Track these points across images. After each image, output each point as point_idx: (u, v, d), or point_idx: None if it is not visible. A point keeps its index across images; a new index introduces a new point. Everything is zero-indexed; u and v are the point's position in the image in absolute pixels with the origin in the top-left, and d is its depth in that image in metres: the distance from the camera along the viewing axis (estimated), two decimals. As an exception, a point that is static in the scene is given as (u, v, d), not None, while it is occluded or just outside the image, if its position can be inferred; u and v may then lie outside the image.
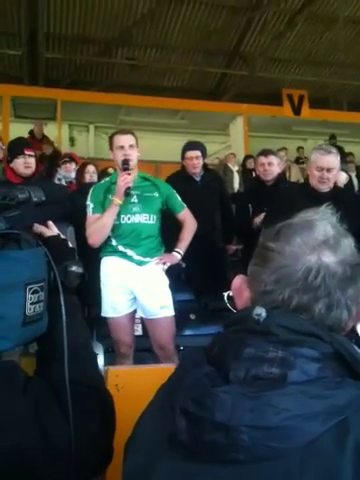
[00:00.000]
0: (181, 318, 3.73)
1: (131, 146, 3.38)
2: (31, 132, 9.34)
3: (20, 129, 9.16)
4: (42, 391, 1.04)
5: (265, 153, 4.56)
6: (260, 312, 0.83)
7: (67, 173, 5.89)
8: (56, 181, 5.99)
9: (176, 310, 3.46)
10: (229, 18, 10.13)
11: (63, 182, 5.89)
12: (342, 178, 4.91)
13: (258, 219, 4.24)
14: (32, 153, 4.06)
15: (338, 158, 3.54)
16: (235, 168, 9.30)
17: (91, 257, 3.48)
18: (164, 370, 2.06)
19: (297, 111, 11.55)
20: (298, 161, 10.65)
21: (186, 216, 3.60)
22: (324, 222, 0.87)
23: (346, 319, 0.86)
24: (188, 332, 4.18)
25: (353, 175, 8.23)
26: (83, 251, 3.21)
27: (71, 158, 6.12)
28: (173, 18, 10.01)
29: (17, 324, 1.03)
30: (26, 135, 8.49)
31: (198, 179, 4.66)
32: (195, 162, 4.57)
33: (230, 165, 9.26)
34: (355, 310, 0.87)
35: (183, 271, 4.63)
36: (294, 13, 9.95)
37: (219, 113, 11.45)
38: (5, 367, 1.04)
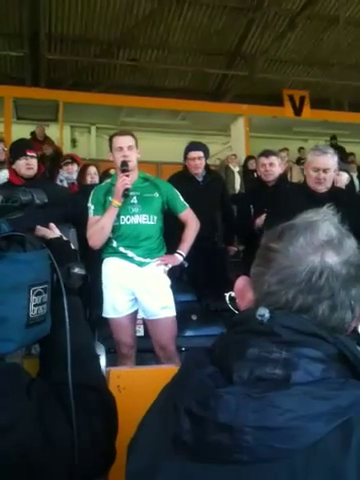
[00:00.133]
0: (182, 319, 3.73)
1: (130, 147, 3.38)
2: (33, 133, 9.35)
3: (22, 130, 9.18)
4: (45, 393, 1.04)
5: (266, 154, 4.56)
6: (263, 313, 0.83)
7: (69, 174, 5.90)
8: (58, 182, 6.00)
9: (177, 311, 3.46)
10: (230, 19, 10.14)
11: (65, 183, 5.90)
12: (343, 179, 4.91)
13: (259, 220, 4.24)
14: (34, 154, 4.07)
15: (335, 159, 3.54)
16: (236, 169, 9.30)
17: (93, 258, 3.49)
18: (166, 371, 2.07)
19: (298, 112, 11.54)
20: (299, 162, 10.63)
21: (188, 216, 3.59)
22: (327, 223, 0.87)
23: (349, 320, 0.86)
24: (189, 333, 4.17)
25: (354, 175, 8.22)
26: (85, 252, 3.24)
27: (73, 159, 6.12)
28: (174, 19, 10.02)
29: (21, 326, 1.04)
30: (28, 136, 8.50)
31: (200, 179, 4.67)
32: (197, 163, 4.57)
33: (231, 166, 9.26)
34: (358, 310, 0.87)
35: (184, 272, 4.63)
36: (295, 14, 9.95)
37: (220, 114, 11.44)
38: (9, 369, 1.04)
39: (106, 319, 3.50)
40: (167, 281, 3.47)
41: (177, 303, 3.50)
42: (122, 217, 3.36)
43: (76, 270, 1.18)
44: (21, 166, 3.97)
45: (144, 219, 3.38)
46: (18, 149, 4.11)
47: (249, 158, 9.20)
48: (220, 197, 4.85)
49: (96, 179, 4.97)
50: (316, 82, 11.44)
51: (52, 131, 10.22)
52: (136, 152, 3.43)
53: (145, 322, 3.57)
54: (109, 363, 3.36)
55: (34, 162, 4.02)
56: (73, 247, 1.27)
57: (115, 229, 3.37)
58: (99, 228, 3.34)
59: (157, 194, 3.46)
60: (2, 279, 1.02)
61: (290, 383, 0.78)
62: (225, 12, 9.99)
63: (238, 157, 9.97)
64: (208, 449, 0.77)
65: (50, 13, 9.54)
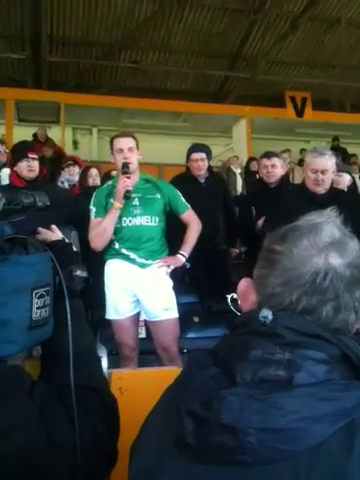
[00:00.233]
0: (184, 321, 3.73)
1: (130, 149, 3.37)
2: (34, 135, 9.37)
3: (23, 132, 9.20)
4: (47, 394, 1.05)
5: (268, 155, 4.56)
6: (266, 314, 0.83)
7: (70, 176, 5.91)
8: (59, 184, 6.01)
9: (179, 312, 3.45)
10: (232, 21, 10.15)
11: (66, 185, 5.91)
12: (345, 180, 4.90)
13: (261, 222, 4.24)
14: (36, 156, 4.08)
15: (333, 160, 3.55)
16: (238, 171, 9.29)
17: (94, 260, 3.49)
18: (168, 373, 2.07)
19: (300, 113, 11.54)
20: (301, 163, 10.62)
21: (190, 217, 3.59)
22: (330, 224, 0.87)
23: (353, 321, 0.86)
24: (191, 335, 4.17)
25: (357, 177, 8.21)
26: (86, 254, 3.24)
27: (75, 161, 6.13)
28: (176, 21, 10.04)
29: (23, 328, 1.04)
30: (29, 138, 8.51)
31: (202, 181, 4.67)
32: (200, 164, 4.57)
33: (233, 168, 9.25)
34: None
35: (186, 273, 4.63)
36: (297, 16, 9.97)
37: (222, 115, 11.45)
38: (11, 371, 1.04)
39: (108, 321, 3.50)
40: (169, 283, 3.47)
41: (179, 305, 3.49)
42: (124, 219, 3.36)
43: (78, 272, 1.18)
44: (23, 168, 3.98)
45: (146, 221, 3.38)
46: (20, 151, 4.12)
47: (251, 159, 9.19)
48: (222, 198, 4.85)
49: (97, 181, 4.97)
50: (318, 83, 11.45)
51: (54, 133, 10.24)
52: (137, 154, 3.43)
53: (147, 324, 3.57)
54: (111, 365, 3.36)
55: (36, 164, 4.02)
56: (75, 249, 1.28)
57: (117, 231, 3.37)
58: (101, 230, 3.33)
59: (159, 195, 3.46)
60: (5, 282, 1.03)
61: (293, 384, 0.78)
62: (226, 14, 10.00)
63: (240, 159, 9.97)
64: (211, 450, 0.77)
65: (52, 15, 9.56)
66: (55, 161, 7.67)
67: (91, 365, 1.18)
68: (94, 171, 5.11)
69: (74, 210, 3.89)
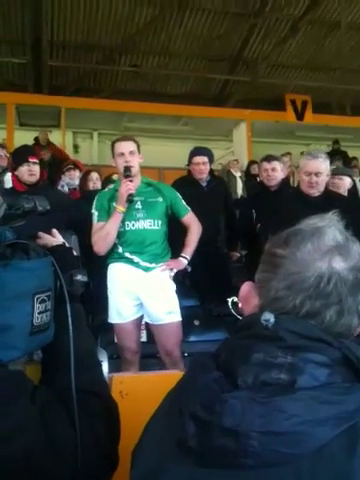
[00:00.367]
0: (185, 324, 3.73)
1: (131, 152, 3.38)
2: (36, 139, 9.39)
3: (24, 137, 9.20)
4: (49, 399, 1.05)
5: (268, 159, 4.58)
6: (268, 317, 0.83)
7: (71, 180, 5.92)
8: (60, 188, 6.01)
9: (180, 316, 3.46)
10: (232, 24, 10.16)
11: (66, 189, 5.91)
12: (346, 183, 4.89)
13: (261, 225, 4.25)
14: (36, 161, 4.08)
15: (326, 163, 3.57)
16: (238, 174, 9.29)
17: (95, 264, 3.50)
18: (169, 376, 2.07)
19: (300, 116, 11.54)
20: (301, 166, 10.60)
21: (191, 220, 3.60)
22: (332, 228, 0.88)
23: (356, 325, 0.86)
24: (192, 338, 4.17)
25: (357, 180, 8.20)
26: (87, 258, 3.24)
27: (75, 165, 6.15)
28: (176, 25, 10.05)
29: (25, 334, 1.04)
30: (30, 143, 8.51)
31: (204, 184, 4.67)
32: (202, 168, 4.58)
33: (233, 171, 9.25)
34: None
35: (187, 276, 4.63)
36: (297, 19, 9.97)
37: (222, 119, 11.46)
38: (12, 376, 1.05)
39: (109, 325, 3.50)
40: (172, 286, 3.47)
41: (180, 308, 3.50)
42: (127, 223, 3.36)
43: (78, 277, 1.18)
44: (24, 172, 3.99)
45: (149, 224, 3.39)
46: (20, 156, 4.12)
47: (252, 163, 9.20)
48: (224, 202, 4.85)
49: (98, 185, 4.98)
50: (318, 87, 11.45)
51: (54, 137, 10.25)
52: (138, 157, 3.43)
53: (150, 327, 3.56)
54: (112, 369, 3.35)
55: (36, 168, 4.03)
56: (75, 254, 1.28)
57: (120, 235, 3.37)
58: (104, 234, 3.33)
59: (161, 199, 3.47)
60: (6, 287, 1.03)
61: (295, 388, 0.78)
62: (227, 18, 10.01)
63: (240, 162, 9.98)
64: (213, 454, 0.77)
65: (52, 20, 9.58)
66: (53, 165, 7.67)
67: (92, 369, 1.18)
68: (95, 175, 5.13)
69: (75, 214, 3.89)
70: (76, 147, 11.90)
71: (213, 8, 9.73)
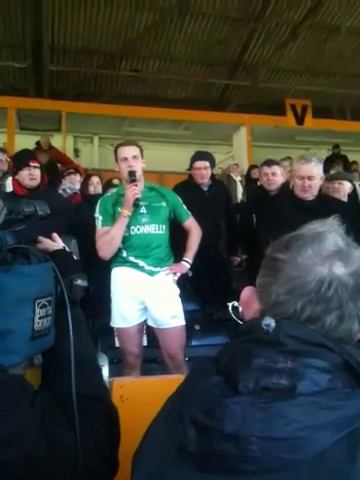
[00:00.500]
0: (186, 328, 3.72)
1: (135, 157, 3.38)
2: (38, 143, 9.41)
3: (25, 141, 9.21)
4: (49, 403, 1.05)
5: (269, 163, 4.58)
6: (269, 322, 0.83)
7: (71, 184, 5.93)
8: (60, 191, 6.02)
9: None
10: (232, 29, 10.19)
11: (68, 191, 5.91)
12: (346, 187, 4.89)
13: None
14: (37, 165, 4.09)
15: (319, 167, 3.60)
16: (238, 178, 9.29)
17: (96, 268, 3.49)
18: (169, 381, 2.07)
19: (300, 121, 11.56)
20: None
21: (192, 224, 3.62)
22: (333, 234, 0.88)
23: (356, 330, 0.86)
24: (193, 342, 4.16)
25: (357, 184, 8.20)
26: (88, 262, 3.23)
27: (76, 170, 6.16)
28: (176, 30, 10.08)
29: (26, 338, 1.04)
30: (30, 147, 8.51)
31: (205, 189, 4.67)
32: (203, 172, 4.57)
33: (233, 175, 9.25)
34: None
35: (188, 280, 4.63)
36: (297, 24, 10.00)
37: (222, 123, 11.47)
38: (13, 381, 1.05)
39: (109, 329, 3.50)
40: (176, 290, 3.48)
41: (181, 312, 3.49)
42: (132, 227, 3.36)
43: (79, 282, 1.19)
44: (24, 177, 3.99)
45: (154, 229, 3.39)
46: (21, 160, 4.13)
47: (252, 167, 9.20)
48: (225, 206, 4.85)
49: (99, 189, 4.99)
50: (318, 91, 11.47)
51: (55, 141, 10.26)
52: (141, 162, 3.44)
53: (154, 331, 3.55)
54: (112, 373, 3.35)
55: (37, 172, 4.03)
56: (75, 258, 1.28)
57: (125, 239, 3.37)
58: (109, 239, 3.33)
59: (164, 203, 3.48)
60: (8, 292, 1.03)
61: (296, 393, 0.78)
62: (227, 22, 10.04)
63: (240, 166, 9.98)
64: (214, 459, 0.77)
65: (53, 25, 9.61)
66: (51, 168, 7.65)
67: (92, 374, 1.18)
68: (96, 179, 5.13)
69: (76, 218, 3.90)
70: (77, 151, 11.91)
71: (213, 13, 9.76)
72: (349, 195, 4.95)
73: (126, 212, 3.29)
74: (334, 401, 0.76)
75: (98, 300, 3.55)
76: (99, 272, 3.50)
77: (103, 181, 5.17)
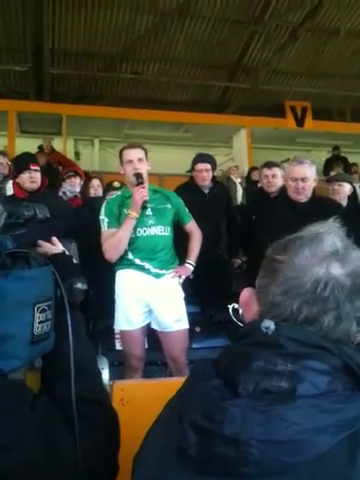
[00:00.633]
0: (187, 331, 3.72)
1: (140, 160, 3.40)
2: (40, 147, 9.42)
3: (26, 144, 9.22)
4: (49, 407, 1.05)
5: (269, 165, 4.59)
6: (268, 325, 0.83)
7: (71, 187, 5.92)
8: (60, 194, 6.01)
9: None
10: (231, 32, 10.20)
11: (68, 195, 5.91)
12: (346, 189, 4.89)
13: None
14: (37, 168, 4.09)
15: (312, 169, 3.59)
16: (238, 180, 9.29)
17: (96, 271, 3.49)
18: (170, 384, 2.07)
19: (300, 123, 11.56)
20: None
21: (193, 227, 3.64)
22: (332, 235, 0.88)
23: (355, 331, 0.86)
24: (193, 345, 4.15)
25: (357, 186, 8.20)
26: (91, 264, 3.24)
27: (76, 173, 6.16)
28: (176, 33, 10.09)
29: (25, 343, 1.04)
30: (31, 150, 8.51)
31: (206, 191, 4.68)
32: (205, 175, 4.57)
33: (233, 177, 9.25)
34: None
35: (189, 283, 4.62)
36: (296, 26, 10.00)
37: (222, 126, 11.47)
38: (13, 386, 1.05)
39: (109, 332, 3.49)
40: (181, 293, 3.49)
41: (181, 314, 3.49)
42: (138, 229, 3.36)
43: (78, 285, 1.18)
44: (25, 180, 3.99)
45: (160, 230, 3.40)
46: (22, 163, 4.13)
47: (252, 169, 9.20)
48: (225, 208, 4.86)
49: (100, 191, 4.99)
50: (318, 93, 11.48)
51: (56, 144, 10.26)
52: (146, 164, 3.45)
53: (157, 334, 3.54)
54: (113, 376, 3.34)
55: (38, 176, 4.04)
56: (75, 261, 1.28)
57: (131, 241, 3.36)
58: (116, 241, 3.32)
59: (169, 205, 3.49)
60: (7, 296, 1.03)
61: (296, 396, 0.78)
62: (226, 25, 10.04)
63: (240, 168, 9.98)
64: (214, 462, 0.77)
65: (53, 28, 9.62)
66: (49, 171, 7.65)
67: (92, 378, 1.18)
68: (96, 182, 5.14)
69: (75, 221, 3.89)
70: (77, 154, 11.91)
71: (213, 15, 9.76)
72: (349, 197, 4.95)
73: (134, 214, 3.29)
74: (334, 404, 0.76)
75: (99, 303, 3.55)
76: (100, 274, 3.50)
77: (103, 184, 5.18)
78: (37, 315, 1.05)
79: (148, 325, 3.46)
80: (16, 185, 4.10)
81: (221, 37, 10.24)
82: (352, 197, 5.23)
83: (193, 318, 4.44)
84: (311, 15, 9.70)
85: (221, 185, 5.27)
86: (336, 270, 0.84)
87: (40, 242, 1.25)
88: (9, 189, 4.97)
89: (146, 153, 3.47)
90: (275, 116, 11.44)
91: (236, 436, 0.75)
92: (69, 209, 4.57)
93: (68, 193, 5.91)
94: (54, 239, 1.29)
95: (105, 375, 2.85)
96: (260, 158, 8.69)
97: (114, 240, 3.32)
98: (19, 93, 10.69)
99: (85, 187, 5.22)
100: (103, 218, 3.41)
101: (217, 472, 0.77)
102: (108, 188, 4.67)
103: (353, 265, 0.85)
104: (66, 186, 6.04)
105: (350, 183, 5.10)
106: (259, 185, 5.51)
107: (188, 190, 4.49)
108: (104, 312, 3.58)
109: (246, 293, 0.96)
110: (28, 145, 8.89)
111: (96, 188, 5.06)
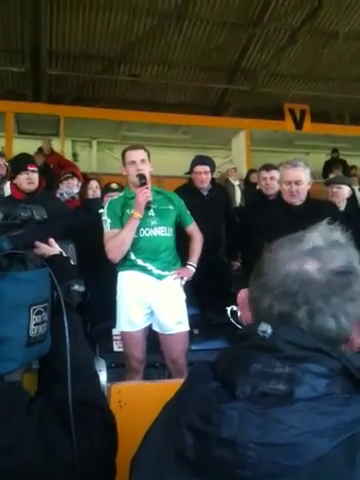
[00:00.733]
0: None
1: (143, 161, 3.41)
2: (40, 149, 9.41)
3: (23, 145, 9.22)
4: (45, 410, 1.04)
5: (267, 167, 4.60)
6: (265, 328, 0.83)
7: (69, 188, 5.91)
8: (58, 196, 6.00)
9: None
10: (230, 34, 10.22)
11: (65, 196, 5.90)
12: (345, 192, 4.89)
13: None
14: (35, 169, 4.08)
15: (306, 171, 3.58)
16: (236, 182, 9.28)
17: (95, 272, 3.48)
18: (167, 386, 2.06)
19: (299, 125, 11.59)
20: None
21: (194, 229, 3.65)
22: (315, 234, 0.88)
23: (333, 328, 0.83)
24: (191, 347, 4.14)
25: (356, 188, 8.21)
26: (88, 267, 3.23)
27: (73, 174, 6.14)
28: (174, 35, 10.11)
29: (21, 345, 1.04)
30: (28, 151, 8.49)
31: (205, 193, 4.68)
32: (204, 177, 4.57)
33: (231, 179, 9.24)
34: (348, 321, 0.84)
35: (188, 285, 4.62)
36: (295, 29, 10.04)
37: (221, 128, 11.49)
38: (8, 389, 1.04)
39: (107, 333, 3.48)
40: (183, 295, 3.48)
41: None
42: (141, 230, 3.36)
43: (76, 287, 1.18)
44: (22, 181, 3.98)
45: (162, 231, 3.40)
46: (19, 164, 4.12)
47: (251, 171, 9.20)
48: (225, 210, 4.86)
49: (98, 193, 4.99)
50: (317, 96, 11.51)
51: (54, 145, 10.27)
52: (149, 165, 3.47)
53: (158, 336, 3.53)
54: (111, 378, 3.33)
55: (35, 176, 4.03)
56: (72, 263, 1.27)
57: (134, 242, 3.35)
58: (119, 242, 3.31)
59: (171, 206, 3.50)
60: (4, 299, 1.02)
61: (294, 399, 0.77)
62: (225, 27, 10.07)
63: (239, 171, 9.98)
64: (211, 465, 0.77)
65: (51, 29, 9.64)
66: (46, 172, 7.63)
67: (89, 380, 1.17)
68: (94, 183, 5.13)
69: (73, 222, 3.89)
70: (75, 155, 11.92)
71: (211, 18, 9.79)
72: (348, 199, 4.95)
73: (138, 214, 3.29)
74: (332, 406, 0.75)
75: (97, 304, 3.54)
76: (99, 276, 3.49)
77: (101, 185, 5.18)
78: (33, 317, 1.05)
79: (149, 327, 3.46)
80: (13, 186, 4.09)
81: (220, 40, 10.28)
82: (351, 199, 5.23)
83: (192, 320, 4.44)
84: (310, 18, 9.73)
85: (220, 187, 5.27)
86: (310, 266, 0.83)
87: (37, 243, 1.25)
88: (6, 190, 4.96)
89: (148, 155, 3.49)
90: (274, 119, 11.46)
91: (233, 439, 0.75)
92: (67, 210, 4.56)
93: (65, 195, 5.90)
94: (51, 240, 1.28)
95: (103, 377, 2.85)
96: (259, 160, 8.70)
97: (117, 240, 3.31)
98: (17, 94, 10.70)
99: (83, 188, 5.21)
100: (106, 219, 3.41)
101: (214, 475, 0.76)
102: (106, 190, 4.66)
103: (333, 263, 0.84)
104: (63, 188, 6.02)
105: (349, 185, 5.10)
106: (257, 187, 5.51)
107: (187, 192, 4.48)
108: (102, 314, 3.57)
109: (242, 294, 0.96)
110: (26, 146, 8.88)
111: (94, 189, 5.05)
